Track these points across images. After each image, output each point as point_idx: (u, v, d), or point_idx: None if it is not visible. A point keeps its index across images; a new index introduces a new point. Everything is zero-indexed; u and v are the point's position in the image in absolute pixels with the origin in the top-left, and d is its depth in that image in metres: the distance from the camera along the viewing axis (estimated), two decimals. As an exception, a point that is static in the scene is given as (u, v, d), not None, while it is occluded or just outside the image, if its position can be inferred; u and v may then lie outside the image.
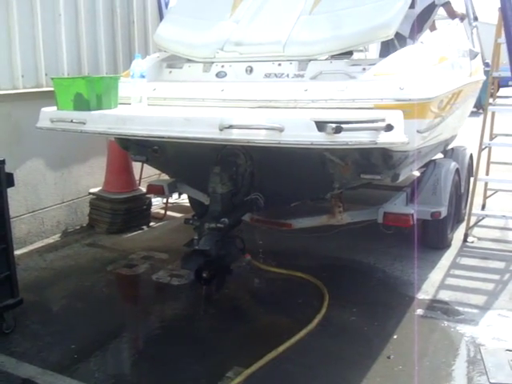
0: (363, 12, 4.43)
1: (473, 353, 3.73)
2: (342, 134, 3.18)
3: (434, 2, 5.19)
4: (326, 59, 4.51)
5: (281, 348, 3.70)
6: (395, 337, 3.92)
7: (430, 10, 5.16)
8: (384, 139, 3.32)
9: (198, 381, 3.46)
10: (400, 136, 3.45)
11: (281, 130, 3.26)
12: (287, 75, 4.47)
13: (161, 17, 6.61)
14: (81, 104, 3.99)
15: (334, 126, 3.15)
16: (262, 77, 4.52)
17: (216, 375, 3.47)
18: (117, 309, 4.56)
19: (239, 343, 3.90)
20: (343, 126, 3.17)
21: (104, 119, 3.87)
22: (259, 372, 3.47)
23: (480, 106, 9.82)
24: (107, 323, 4.23)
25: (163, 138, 3.66)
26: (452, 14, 5.76)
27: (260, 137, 3.35)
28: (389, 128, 3.28)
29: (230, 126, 3.37)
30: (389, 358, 3.65)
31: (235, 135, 3.41)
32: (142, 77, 4.18)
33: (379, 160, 4.01)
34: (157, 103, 4.38)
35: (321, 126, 3.21)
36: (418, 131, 4.01)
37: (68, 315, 4.37)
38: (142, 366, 3.68)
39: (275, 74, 4.51)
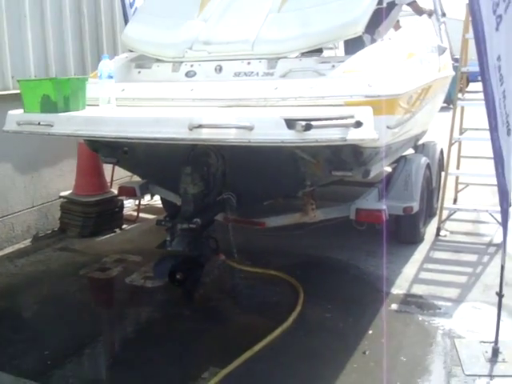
0: (331, 9, 4.43)
1: (448, 346, 3.77)
2: (312, 131, 3.17)
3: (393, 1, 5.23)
4: (295, 57, 4.50)
5: (256, 347, 3.69)
6: (370, 332, 3.94)
7: (390, 8, 5.20)
8: (354, 136, 3.31)
9: (174, 383, 3.44)
10: (370, 132, 3.44)
11: (250, 128, 3.24)
12: (257, 74, 4.45)
13: (125, 18, 6.52)
14: (48, 106, 3.91)
15: (303, 123, 3.14)
16: (232, 75, 4.50)
17: (192, 377, 3.44)
18: (91, 313, 4.50)
19: (215, 344, 3.88)
20: (313, 123, 3.17)
21: (72, 121, 3.81)
22: (235, 372, 3.45)
23: (450, 101, 9.91)
24: (81, 328, 4.18)
25: (133, 139, 3.62)
26: (419, 11, 5.80)
27: (230, 136, 3.33)
28: (358, 124, 3.27)
29: (200, 126, 3.34)
30: (364, 353, 3.67)
31: (205, 135, 3.38)
32: (110, 77, 4.12)
33: (350, 157, 4.02)
34: (126, 104, 4.31)
35: (290, 123, 3.20)
36: (387, 127, 4.03)
37: (41, 321, 4.31)
38: (118, 370, 3.64)
39: (245, 73, 4.49)
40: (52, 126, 3.82)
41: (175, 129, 3.44)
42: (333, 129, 3.26)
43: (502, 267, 3.58)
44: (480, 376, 3.41)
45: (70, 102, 3.95)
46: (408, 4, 5.48)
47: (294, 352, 3.72)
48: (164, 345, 3.87)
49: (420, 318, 4.14)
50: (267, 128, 3.26)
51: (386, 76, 3.98)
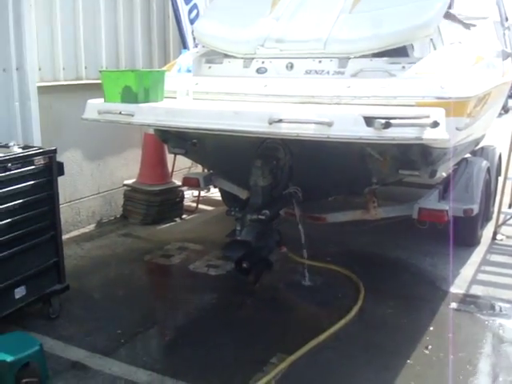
0: (403, 12, 4.51)
1: (507, 345, 3.82)
2: (390, 129, 3.28)
3: None
4: (366, 57, 4.59)
5: (322, 336, 3.82)
6: (431, 328, 4.02)
7: None
8: (428, 135, 3.39)
9: (243, 366, 3.58)
10: (443, 133, 3.52)
11: (330, 124, 3.36)
12: (327, 72, 4.56)
13: (176, 18, 6.75)
14: (129, 96, 4.09)
15: (383, 121, 3.25)
16: (303, 73, 4.62)
17: (260, 361, 3.58)
18: (157, 297, 4.71)
19: (280, 332, 4.01)
20: (391, 121, 3.27)
21: (153, 111, 3.98)
22: (302, 359, 3.59)
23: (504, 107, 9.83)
24: (149, 310, 4.38)
25: (213, 130, 3.76)
26: None
27: (309, 131, 3.44)
28: (435, 125, 3.36)
29: (280, 120, 3.47)
30: (427, 348, 3.75)
31: (284, 129, 3.50)
32: (189, 71, 4.29)
33: (418, 156, 4.10)
34: (200, 97, 4.48)
35: (369, 121, 3.31)
36: (456, 128, 4.10)
37: (110, 302, 4.50)
38: (186, 351, 3.78)
39: (316, 71, 4.60)
40: (133, 115, 4.00)
41: (255, 122, 3.57)
42: (410, 128, 3.35)
43: None
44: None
45: (149, 93, 4.12)
46: None
47: (358, 343, 3.83)
48: (230, 330, 4.02)
49: (480, 318, 4.21)
50: (346, 124, 3.37)
51: (457, 79, 4.05)
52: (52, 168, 4.00)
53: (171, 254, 5.42)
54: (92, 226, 6.25)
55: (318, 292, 4.63)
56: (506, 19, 6.74)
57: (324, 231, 5.63)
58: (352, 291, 4.57)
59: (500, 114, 7.18)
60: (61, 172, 4.11)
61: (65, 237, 5.70)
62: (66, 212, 5.84)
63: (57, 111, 5.70)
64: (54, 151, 4.01)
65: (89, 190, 6.22)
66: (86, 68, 5.95)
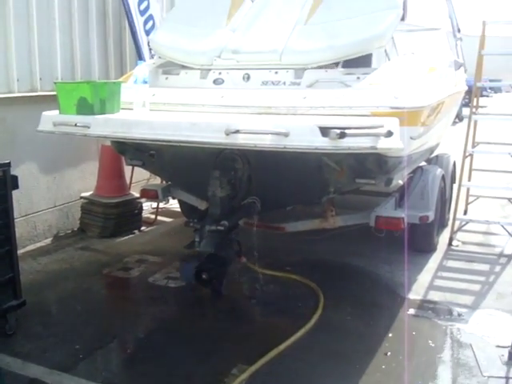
0: (357, 23, 4.59)
1: (465, 349, 3.90)
2: (345, 139, 3.33)
3: None
4: (321, 68, 4.64)
5: (282, 346, 3.82)
6: (390, 335, 4.07)
7: None
8: (383, 145, 3.46)
9: (204, 378, 3.56)
10: (397, 142, 3.59)
11: (286, 135, 3.40)
12: (284, 83, 4.61)
13: (131, 27, 6.74)
14: (84, 108, 4.05)
15: (338, 131, 3.30)
16: (259, 84, 4.66)
17: (221, 373, 3.57)
18: (116, 310, 4.64)
19: (240, 342, 4.00)
20: (346, 131, 3.32)
21: (109, 123, 3.95)
22: (263, 369, 3.59)
23: (457, 116, 10.07)
24: (108, 324, 4.31)
25: (170, 141, 3.76)
26: None
27: (266, 141, 3.47)
28: (389, 134, 3.42)
29: (237, 131, 3.49)
30: (386, 354, 3.80)
31: (241, 140, 3.52)
32: (145, 82, 4.28)
33: (374, 165, 4.16)
34: (157, 108, 4.46)
35: (325, 131, 3.35)
36: (410, 137, 4.18)
37: (68, 317, 4.42)
38: (147, 365, 3.73)
39: (272, 82, 4.65)
40: (89, 127, 3.96)
41: (212, 133, 3.58)
42: (365, 137, 3.41)
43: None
44: (497, 377, 3.55)
45: (106, 105, 4.09)
46: None
47: (318, 352, 3.85)
48: (191, 342, 4.00)
49: (437, 323, 4.29)
50: (302, 135, 3.41)
51: (410, 89, 4.13)
52: (6, 182, 3.91)
53: (130, 267, 5.37)
54: (49, 240, 6.15)
55: (278, 301, 4.65)
56: (458, 30, 6.92)
57: (283, 240, 5.65)
58: (312, 300, 4.60)
59: (454, 123, 7.36)
60: (15, 186, 4.03)
61: (20, 251, 5.63)
62: (21, 226, 5.73)
63: (11, 123, 5.61)
64: (8, 164, 3.92)
65: (45, 204, 6.12)
66: (40, 79, 5.87)
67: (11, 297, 4.05)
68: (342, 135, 3.30)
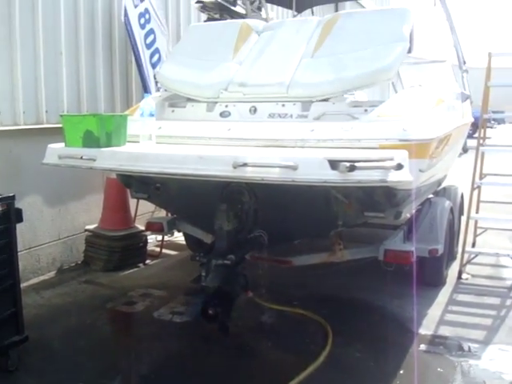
0: (364, 56, 4.58)
1: (479, 386, 3.80)
2: (355, 172, 3.28)
3: None
4: (328, 100, 4.62)
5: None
6: (401, 372, 3.97)
7: None
8: (393, 178, 3.41)
9: (210, 418, 3.47)
10: (407, 175, 3.54)
11: (294, 168, 3.36)
12: (291, 116, 4.60)
13: (138, 62, 6.78)
14: (90, 141, 4.03)
15: (347, 164, 3.26)
16: (266, 117, 4.64)
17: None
18: (121, 346, 4.55)
19: (248, 380, 3.91)
20: (356, 164, 3.28)
21: (115, 156, 3.93)
22: (271, 408, 3.50)
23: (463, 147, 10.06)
24: (112, 361, 4.21)
25: (177, 175, 3.72)
26: None
27: (274, 175, 3.43)
28: (399, 167, 3.38)
29: (244, 164, 3.46)
30: (397, 392, 3.71)
31: (249, 173, 3.49)
32: (152, 115, 4.26)
33: (383, 198, 4.11)
34: (163, 141, 4.44)
35: (334, 164, 3.31)
36: (419, 170, 4.14)
37: (71, 353, 4.32)
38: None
39: (279, 115, 4.63)
40: (95, 160, 3.94)
41: (219, 166, 3.55)
42: (374, 170, 3.36)
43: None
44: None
45: (112, 137, 4.08)
46: None
47: (328, 390, 3.76)
48: (197, 379, 3.91)
49: (449, 359, 4.18)
50: (311, 168, 3.37)
51: (419, 121, 4.10)
52: (10, 215, 3.87)
53: (134, 301, 5.28)
54: (52, 273, 6.07)
55: (286, 337, 4.54)
56: (464, 62, 6.93)
57: (290, 274, 5.56)
58: (320, 335, 4.50)
59: (460, 154, 7.32)
60: (19, 219, 3.99)
61: (24, 285, 5.55)
62: (24, 259, 5.67)
63: (16, 156, 5.59)
64: (13, 198, 3.89)
65: (49, 236, 6.06)
66: (46, 112, 5.87)
67: (13, 332, 3.97)
68: (352, 168, 3.26)
